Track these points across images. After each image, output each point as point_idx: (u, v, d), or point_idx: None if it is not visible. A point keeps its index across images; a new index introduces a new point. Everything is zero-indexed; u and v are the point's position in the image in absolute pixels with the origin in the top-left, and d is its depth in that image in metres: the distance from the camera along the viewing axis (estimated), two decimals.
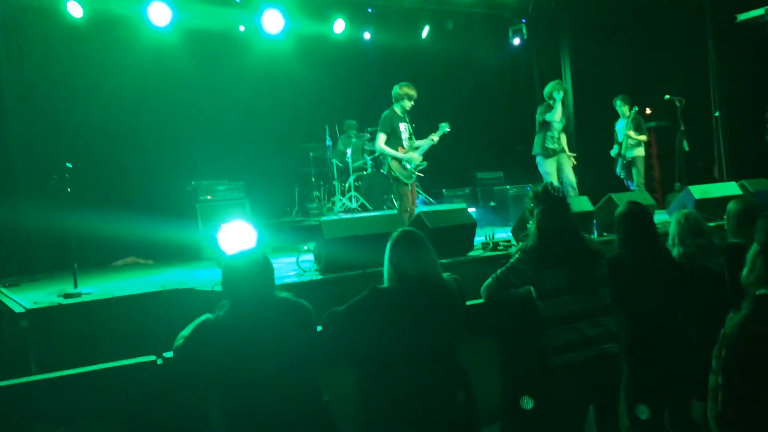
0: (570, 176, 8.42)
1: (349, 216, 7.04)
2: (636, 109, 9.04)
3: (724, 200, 6.84)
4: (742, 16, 9.95)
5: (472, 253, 5.89)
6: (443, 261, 5.63)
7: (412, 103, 7.35)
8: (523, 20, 12.51)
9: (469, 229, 5.76)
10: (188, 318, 5.09)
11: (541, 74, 13.38)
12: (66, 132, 8.26)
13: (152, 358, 2.96)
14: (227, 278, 2.93)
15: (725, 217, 4.31)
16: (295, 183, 10.14)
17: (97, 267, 8.77)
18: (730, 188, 7.40)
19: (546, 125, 8.41)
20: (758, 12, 9.71)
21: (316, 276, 5.12)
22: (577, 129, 12.52)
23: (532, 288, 3.54)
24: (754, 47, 9.86)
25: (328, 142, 9.68)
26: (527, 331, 3.58)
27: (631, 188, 9.33)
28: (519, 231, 6.24)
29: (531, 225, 3.67)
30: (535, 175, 11.90)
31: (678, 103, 8.37)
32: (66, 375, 2.73)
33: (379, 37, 11.21)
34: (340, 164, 9.72)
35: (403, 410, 2.93)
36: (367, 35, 11.15)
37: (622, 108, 9.25)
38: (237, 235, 4.85)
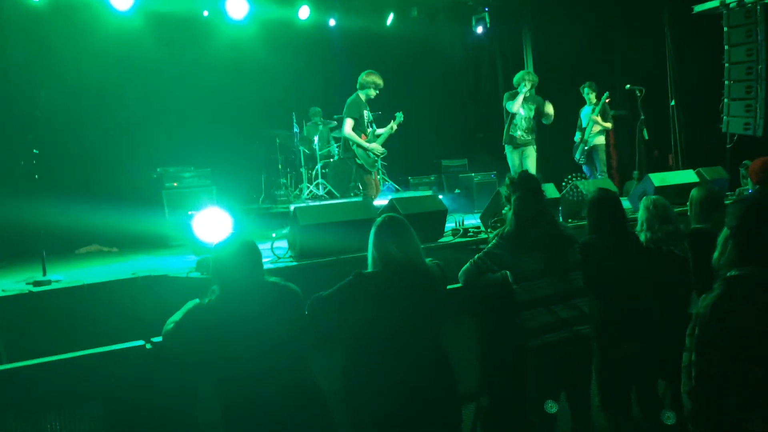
0: (531, 170, 8.32)
1: (322, 203, 7.06)
2: (607, 95, 9.21)
3: (682, 187, 7.09)
4: (699, 8, 10.22)
5: (442, 240, 5.98)
6: (423, 246, 5.81)
7: (377, 92, 7.31)
8: (486, 8, 12.61)
9: (440, 215, 5.85)
10: (162, 305, 5.11)
11: (504, 62, 13.56)
12: (29, 118, 8.09)
13: (141, 342, 2.98)
14: (216, 264, 2.96)
15: (688, 203, 4.49)
16: (262, 170, 10.11)
17: (60, 255, 8.65)
18: (687, 176, 7.62)
19: (511, 115, 8.47)
20: (713, 4, 10.00)
21: (291, 262, 5.14)
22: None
23: (508, 272, 3.65)
24: (709, 38, 10.13)
25: (296, 129, 9.68)
26: (503, 314, 3.69)
27: (588, 175, 9.54)
28: (488, 217, 6.36)
29: (507, 211, 3.77)
30: (499, 163, 12.12)
31: (638, 93, 8.58)
32: (54, 360, 2.74)
33: (344, 24, 11.20)
34: (307, 151, 9.72)
35: (388, 392, 3.01)
36: (332, 22, 11.14)
37: (590, 95, 9.40)
38: (212, 222, 4.85)
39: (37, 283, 5.28)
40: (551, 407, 3.80)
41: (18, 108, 8.15)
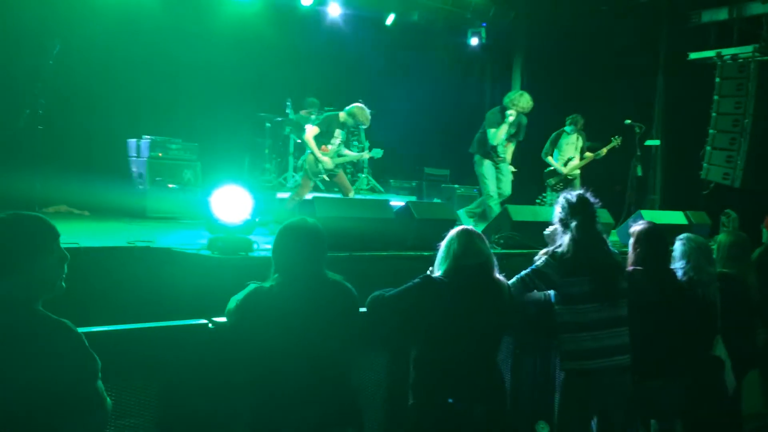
0: (507, 189, 8.30)
1: (341, 196, 6.94)
2: (619, 139, 9.22)
3: (670, 228, 7.23)
4: (694, 55, 10.49)
5: None
6: (425, 254, 5.75)
7: (356, 126, 7.72)
8: (484, 24, 12.70)
9: (450, 224, 5.77)
10: (160, 281, 4.92)
11: (492, 80, 13.67)
12: (39, 67, 7.71)
13: (204, 321, 2.83)
14: (280, 248, 2.82)
15: (715, 247, 4.55)
16: (246, 152, 9.88)
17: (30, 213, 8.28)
18: (676, 217, 7.78)
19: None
20: (710, 53, 10.27)
21: None
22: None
23: (552, 293, 3.62)
24: (700, 86, 10.39)
25: (292, 116, 9.50)
26: (542, 333, 3.66)
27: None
28: (491, 233, 6.35)
29: (554, 232, 3.74)
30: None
31: (638, 129, 8.73)
32: (113, 330, 2.56)
33: (344, 17, 11.09)
34: (298, 140, 9.55)
35: (444, 411, 2.95)
36: (333, 13, 10.99)
37: (575, 126, 9.42)
38: (231, 201, 4.67)
39: None
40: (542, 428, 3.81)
41: (26, 57, 7.71)
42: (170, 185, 8.44)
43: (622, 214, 9.13)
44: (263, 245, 4.99)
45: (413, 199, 9.90)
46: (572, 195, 3.68)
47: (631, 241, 3.92)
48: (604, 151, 9.07)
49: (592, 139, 9.57)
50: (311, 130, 7.19)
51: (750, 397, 4.45)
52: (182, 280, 4.78)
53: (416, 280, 3.12)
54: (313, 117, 9.86)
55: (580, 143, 9.18)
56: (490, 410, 3.05)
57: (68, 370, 2.13)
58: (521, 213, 6.20)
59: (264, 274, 4.78)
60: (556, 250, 3.61)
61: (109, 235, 6.38)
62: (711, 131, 10.16)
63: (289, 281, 2.74)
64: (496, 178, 8.26)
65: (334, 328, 2.75)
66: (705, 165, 10.25)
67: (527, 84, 12.87)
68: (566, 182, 9.41)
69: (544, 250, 3.72)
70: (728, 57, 10.07)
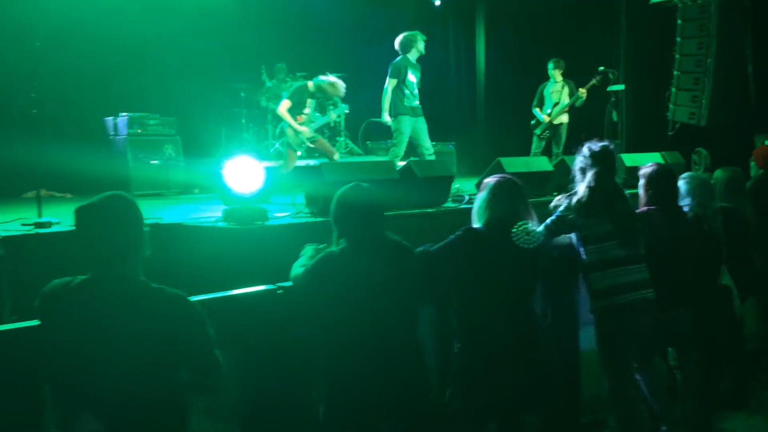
0: (428, 142, 8.04)
1: (348, 160, 7.01)
2: (599, 78, 9.28)
3: None
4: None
5: (445, 204, 6.08)
6: (429, 210, 5.88)
7: (326, 97, 7.68)
8: None
9: (448, 180, 5.95)
10: (175, 256, 4.95)
11: (455, 36, 13.72)
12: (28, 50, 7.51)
13: (272, 287, 2.91)
14: (343, 215, 2.91)
15: (712, 182, 4.79)
16: (223, 123, 9.82)
17: (6, 198, 8.17)
18: (654, 158, 8.02)
19: (398, 82, 7.78)
20: None
21: (316, 218, 5.09)
22: (486, 94, 13.06)
23: (574, 236, 3.80)
24: (663, 30, 10.62)
25: (268, 84, 9.45)
26: (569, 276, 3.84)
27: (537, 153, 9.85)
28: None
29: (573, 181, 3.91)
30: (452, 133, 12.33)
31: (611, 75, 8.93)
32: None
33: None
34: (274, 107, 9.50)
35: (488, 350, 3.10)
36: None
37: (554, 72, 9.59)
38: (244, 172, 4.71)
39: (38, 225, 4.97)
40: None
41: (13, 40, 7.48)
42: (153, 161, 8.38)
43: None
44: (276, 214, 5.08)
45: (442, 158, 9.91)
46: (596, 145, 3.83)
47: (642, 182, 4.11)
48: (583, 92, 9.21)
49: None
50: (284, 104, 7.33)
51: (749, 321, 4.75)
52: (199, 254, 4.83)
53: (458, 232, 3.25)
54: (288, 82, 9.86)
55: (566, 90, 9.33)
56: (529, 351, 3.21)
57: (192, 338, 2.22)
58: (514, 164, 6.34)
59: (281, 242, 4.90)
60: (572, 195, 3.79)
61: None
62: (675, 72, 10.41)
63: (356, 245, 2.84)
64: (415, 134, 7.97)
65: (400, 289, 2.87)
66: (671, 106, 10.51)
67: (491, 37, 13.00)
68: (552, 129, 9.59)
69: (559, 197, 3.89)
70: None
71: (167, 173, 8.39)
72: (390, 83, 7.77)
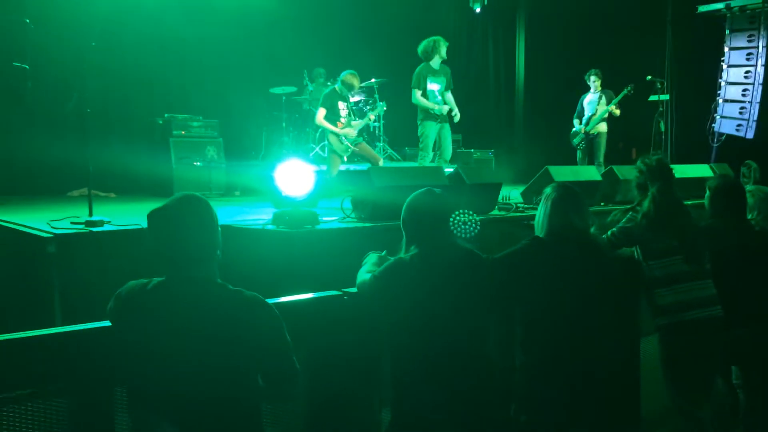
0: (449, 150, 8.05)
1: (394, 165, 6.97)
2: (631, 87, 9.21)
3: (698, 181, 7.35)
4: (703, 8, 10.51)
5: (493, 212, 6.00)
6: (478, 217, 5.81)
7: (353, 91, 7.83)
8: None
9: (496, 187, 5.87)
10: (225, 258, 4.94)
11: (495, 42, 13.63)
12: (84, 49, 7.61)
13: (338, 292, 2.87)
14: (414, 221, 2.85)
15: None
16: (263, 127, 9.85)
17: (52, 196, 8.26)
18: (703, 170, 7.91)
19: (422, 89, 7.83)
20: (718, 6, 10.30)
21: (365, 223, 5.04)
22: (525, 101, 12.94)
23: (637, 248, 3.71)
24: (710, 39, 10.45)
25: (311, 87, 9.46)
26: (632, 289, 3.74)
27: (579, 163, 9.77)
28: (532, 194, 6.42)
29: (638, 198, 3.82)
30: (493, 141, 12.24)
31: (659, 85, 8.78)
32: None
33: None
34: (316, 111, 9.51)
35: (555, 364, 3.01)
36: None
37: (596, 82, 9.50)
38: (295, 175, 4.68)
39: (89, 223, 4.99)
40: None
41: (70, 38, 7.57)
42: (195, 163, 8.41)
43: None
44: (326, 218, 5.04)
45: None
46: (651, 159, 3.75)
47: (708, 194, 4.01)
48: (615, 104, 9.14)
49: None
50: (320, 113, 7.43)
51: None
52: (248, 257, 4.81)
53: (524, 241, 3.18)
54: (329, 87, 9.85)
55: (603, 101, 9.25)
56: (596, 365, 3.11)
57: (270, 344, 2.18)
58: (562, 173, 6.25)
59: (330, 247, 4.85)
60: (637, 208, 3.70)
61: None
62: (722, 83, 10.23)
63: (428, 252, 2.78)
64: (439, 139, 8.00)
65: (472, 298, 2.79)
66: (717, 117, 10.34)
67: (531, 44, 12.88)
68: (588, 140, 9.49)
69: (622, 209, 3.81)
70: (737, 8, 10.11)
71: (209, 175, 8.41)
72: (415, 92, 7.82)
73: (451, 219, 2.88)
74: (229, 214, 6.10)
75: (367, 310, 2.81)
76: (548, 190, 3.27)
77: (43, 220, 5.33)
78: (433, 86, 7.81)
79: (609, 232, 3.72)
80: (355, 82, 7.60)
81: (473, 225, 2.83)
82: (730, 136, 10.37)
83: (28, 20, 5.28)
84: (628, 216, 3.73)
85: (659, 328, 3.64)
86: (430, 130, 7.81)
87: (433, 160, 7.92)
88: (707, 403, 3.73)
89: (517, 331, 3.12)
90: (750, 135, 9.98)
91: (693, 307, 3.54)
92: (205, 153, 8.53)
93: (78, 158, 8.51)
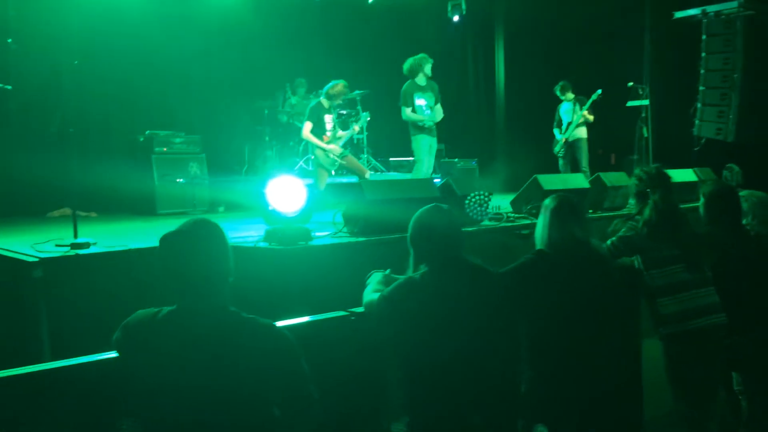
0: (432, 162, 8.07)
1: (386, 178, 6.92)
2: (600, 92, 9.38)
3: (684, 185, 7.40)
4: (679, 14, 10.62)
5: (484, 223, 5.97)
6: (470, 229, 5.78)
7: (340, 101, 7.89)
8: None
9: (486, 198, 5.83)
10: None
11: (474, 52, 13.68)
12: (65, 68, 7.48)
13: (345, 313, 2.80)
14: (422, 238, 2.79)
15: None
16: (246, 141, 9.76)
17: (32, 217, 8.10)
18: (686, 174, 7.97)
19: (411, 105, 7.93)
20: (695, 11, 10.40)
21: (358, 238, 4.98)
22: (507, 111, 12.98)
23: (637, 258, 3.69)
24: (687, 44, 10.55)
25: (293, 100, 9.39)
26: (633, 298, 3.72)
27: (562, 171, 9.86)
28: (521, 203, 6.41)
29: (636, 205, 3.81)
30: (475, 150, 12.25)
31: (641, 91, 8.85)
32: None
33: None
34: (299, 124, 9.45)
35: (573, 382, 2.98)
36: None
37: (566, 93, 9.66)
38: (286, 191, 4.61)
39: (75, 246, 4.87)
40: None
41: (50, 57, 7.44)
42: (178, 180, 8.30)
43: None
44: (317, 234, 4.97)
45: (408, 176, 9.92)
46: (650, 167, 3.76)
47: (703, 201, 4.00)
48: (586, 109, 9.40)
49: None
50: (306, 127, 7.45)
51: None
52: (241, 276, 4.72)
53: (529, 255, 3.14)
54: (311, 99, 9.81)
55: (578, 109, 9.35)
56: (606, 377, 3.08)
57: (287, 373, 2.11)
58: (551, 182, 6.25)
59: (324, 263, 4.78)
60: (637, 217, 3.68)
61: (137, 235, 6.22)
62: (701, 88, 10.32)
63: (438, 270, 2.72)
64: (428, 152, 7.98)
65: (484, 315, 2.74)
66: (697, 122, 10.42)
67: (510, 54, 12.94)
68: (568, 147, 9.58)
69: (621, 219, 3.79)
70: (713, 13, 10.22)
71: (192, 191, 8.30)
72: (404, 110, 7.93)
73: (467, 202, 2.84)
74: (229, 231, 6.00)
75: (378, 330, 2.75)
76: (547, 201, 3.24)
77: (26, 243, 5.21)
78: (420, 101, 7.92)
79: (609, 242, 3.70)
80: (339, 93, 7.62)
81: (485, 201, 2.78)
82: (710, 140, 10.46)
83: (10, 40, 5.15)
84: (628, 225, 3.71)
85: (663, 337, 3.62)
86: (422, 142, 7.89)
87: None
88: (712, 410, 3.71)
89: (521, 347, 3.08)
90: (731, 138, 10.07)
91: (697, 315, 3.53)
92: (187, 169, 8.42)
93: (57, 178, 8.40)
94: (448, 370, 2.64)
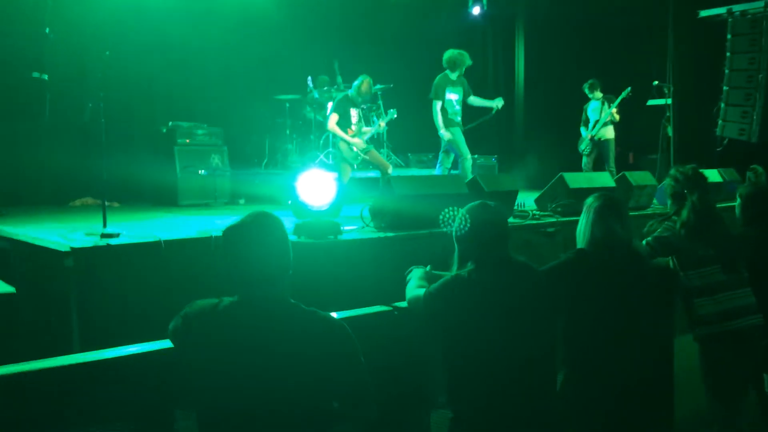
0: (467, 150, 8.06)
1: (414, 174, 6.93)
2: (629, 90, 9.33)
3: (713, 185, 7.36)
4: (704, 13, 10.54)
5: (511, 220, 5.96)
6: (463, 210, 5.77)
7: (367, 98, 8.00)
8: None
9: (513, 195, 5.84)
10: None
11: (494, 48, 13.62)
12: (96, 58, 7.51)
13: (388, 308, 2.81)
14: (472, 236, 2.77)
15: None
16: (266, 134, 9.77)
17: (54, 206, 8.16)
18: (712, 175, 7.94)
19: (442, 100, 8.00)
20: (720, 10, 10.32)
21: (386, 233, 4.98)
22: (526, 107, 12.93)
23: (673, 258, 3.67)
24: (712, 43, 10.48)
25: (315, 95, 9.39)
26: (668, 297, 3.70)
27: (585, 169, 9.82)
28: (546, 201, 6.39)
29: (673, 206, 3.80)
30: (495, 146, 12.21)
31: (666, 90, 8.79)
32: None
33: None
34: (320, 118, 9.45)
35: (600, 377, 2.98)
36: None
37: (594, 92, 9.62)
38: (317, 185, 4.62)
39: (104, 236, 4.89)
40: None
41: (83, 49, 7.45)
42: (200, 171, 8.32)
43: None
44: (346, 228, 4.98)
45: (434, 171, 9.92)
46: (686, 168, 3.73)
47: (740, 202, 3.98)
48: (615, 107, 9.31)
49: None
50: (332, 119, 7.48)
51: None
52: None
53: (569, 254, 3.13)
54: (333, 93, 9.80)
55: (607, 105, 9.32)
56: (642, 375, 3.08)
57: (348, 365, 2.12)
58: (577, 180, 6.23)
59: (353, 257, 4.79)
60: (674, 218, 3.67)
61: (162, 226, 6.24)
62: (725, 88, 10.24)
63: (486, 267, 2.71)
64: (461, 143, 8.04)
65: (531, 313, 2.73)
66: (720, 122, 10.35)
67: (530, 50, 12.88)
68: (595, 146, 9.56)
69: (657, 220, 3.78)
70: (738, 13, 10.13)
71: (214, 183, 8.33)
72: (435, 104, 7.95)
73: (441, 216, 2.85)
74: None
75: (419, 325, 2.75)
76: (590, 200, 3.22)
77: (53, 232, 5.24)
78: (452, 96, 7.99)
79: (644, 242, 3.68)
80: (368, 89, 7.68)
81: (464, 221, 2.76)
82: (732, 140, 10.38)
83: (48, 30, 5.18)
84: (664, 225, 3.69)
85: (699, 337, 3.60)
86: (457, 135, 7.94)
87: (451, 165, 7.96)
88: (743, 409, 3.69)
89: (559, 346, 3.07)
90: (754, 139, 9.99)
91: (734, 316, 3.51)
92: (209, 161, 8.44)
93: (79, 167, 8.47)
94: (493, 367, 2.63)
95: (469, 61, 8.12)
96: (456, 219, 2.87)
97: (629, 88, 9.32)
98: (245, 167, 9.44)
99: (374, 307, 2.81)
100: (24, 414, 1.91)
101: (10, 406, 1.89)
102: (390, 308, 2.81)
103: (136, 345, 2.21)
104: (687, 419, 4.03)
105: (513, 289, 2.72)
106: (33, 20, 6.48)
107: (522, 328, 2.69)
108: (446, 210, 2.78)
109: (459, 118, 8.05)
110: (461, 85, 8.11)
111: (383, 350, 2.67)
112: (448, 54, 8.13)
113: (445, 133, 7.79)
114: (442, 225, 2.85)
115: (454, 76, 8.01)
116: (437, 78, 8.04)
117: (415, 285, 2.87)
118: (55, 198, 8.45)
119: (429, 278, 2.94)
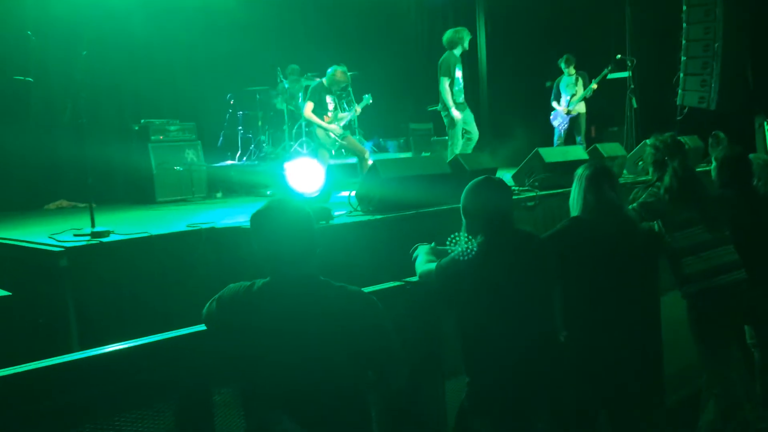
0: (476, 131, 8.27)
1: (399, 156, 7.01)
2: (610, 68, 9.54)
3: None
4: None
5: None
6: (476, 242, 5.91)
7: (341, 86, 7.98)
8: None
9: (493, 172, 5.96)
10: (237, 260, 4.92)
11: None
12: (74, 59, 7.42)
13: (400, 283, 2.91)
14: (479, 208, 2.87)
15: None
16: (238, 126, 9.78)
17: (28, 210, 8.08)
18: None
19: (451, 80, 8.05)
20: None
21: (375, 216, 5.09)
22: (489, 88, 13.11)
23: (658, 222, 3.85)
24: (668, 16, 10.73)
25: (286, 85, 9.42)
26: (652, 260, 3.88)
27: (556, 142, 10.04)
28: (523, 176, 6.55)
29: (654, 171, 3.96)
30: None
31: (629, 63, 9.01)
32: None
33: None
34: (292, 108, 9.49)
35: (599, 338, 3.13)
36: None
37: (568, 67, 9.78)
38: (305, 172, 4.70)
39: (95, 234, 4.91)
40: None
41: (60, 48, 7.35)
42: (176, 167, 8.31)
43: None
44: (337, 213, 5.07)
45: (408, 155, 10.07)
46: (665, 136, 3.90)
47: (715, 165, 4.17)
48: (596, 83, 9.40)
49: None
50: (308, 107, 7.54)
51: None
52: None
53: (565, 222, 3.27)
54: (303, 83, 9.84)
55: (581, 82, 9.50)
56: (639, 337, 3.25)
57: (381, 337, 2.22)
58: (552, 154, 6.40)
59: (346, 240, 4.88)
60: (657, 184, 3.84)
61: (145, 222, 6.25)
62: (683, 58, 10.51)
63: (496, 240, 2.81)
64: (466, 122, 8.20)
65: (538, 281, 2.86)
66: (680, 91, 10.61)
67: (492, 31, 13.05)
68: (571, 121, 9.76)
69: (641, 187, 3.95)
70: None
71: (191, 178, 8.33)
72: (444, 81, 7.96)
73: (448, 241, 2.92)
74: (228, 215, 6.07)
75: (435, 299, 2.87)
76: (580, 170, 3.37)
77: (40, 234, 5.23)
78: (459, 74, 8.07)
79: (630, 208, 3.85)
80: (343, 78, 7.74)
81: (470, 247, 2.85)
82: (693, 109, 10.67)
83: (29, 32, 5.13)
84: (648, 191, 3.87)
85: (688, 295, 3.78)
86: (468, 116, 8.06)
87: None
88: (732, 360, 3.90)
89: (558, 310, 3.22)
90: (713, 106, 10.28)
91: (719, 272, 3.71)
92: (184, 156, 8.43)
93: (48, 171, 8.38)
94: (505, 331, 2.76)
95: (468, 35, 8.20)
96: (463, 193, 2.99)
97: (610, 66, 9.47)
98: (219, 161, 9.45)
99: (387, 283, 2.91)
100: (77, 399, 1.99)
101: (68, 391, 1.97)
102: (402, 283, 2.92)
103: (170, 332, 2.28)
104: (676, 374, 4.24)
105: (520, 257, 2.85)
106: (14, 24, 6.40)
107: (530, 293, 2.82)
108: (453, 235, 2.88)
109: (462, 97, 8.11)
110: (462, 63, 8.23)
111: (398, 323, 2.77)
112: (447, 35, 8.23)
113: (455, 113, 7.84)
114: (448, 247, 2.95)
115: (458, 53, 8.10)
116: (444, 56, 8.08)
117: (424, 260, 2.98)
118: (27, 203, 8.35)
119: (435, 253, 3.06)
